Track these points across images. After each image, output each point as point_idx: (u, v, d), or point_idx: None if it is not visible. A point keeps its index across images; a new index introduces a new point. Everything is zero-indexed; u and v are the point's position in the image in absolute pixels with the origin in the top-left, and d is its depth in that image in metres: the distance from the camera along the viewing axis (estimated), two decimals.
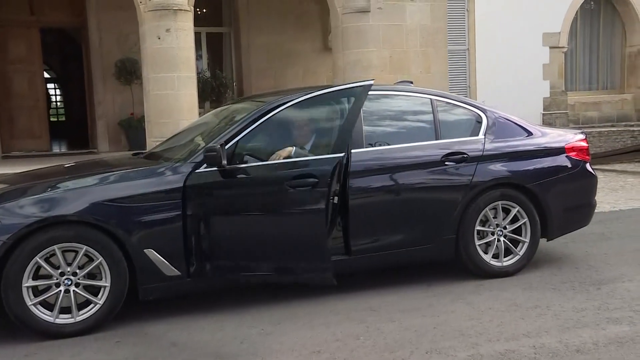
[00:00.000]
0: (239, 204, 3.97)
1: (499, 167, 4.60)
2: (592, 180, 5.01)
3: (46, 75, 20.41)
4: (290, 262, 3.96)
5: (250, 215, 3.96)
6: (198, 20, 9.37)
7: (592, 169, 5.02)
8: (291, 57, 11.90)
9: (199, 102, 8.78)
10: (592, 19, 14.62)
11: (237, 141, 4.03)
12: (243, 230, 3.94)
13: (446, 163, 4.48)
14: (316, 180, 3.90)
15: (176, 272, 3.85)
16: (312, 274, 3.97)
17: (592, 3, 14.43)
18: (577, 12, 13.99)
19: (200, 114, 8.24)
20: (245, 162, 4.02)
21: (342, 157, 4.00)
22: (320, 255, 3.93)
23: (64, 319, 3.69)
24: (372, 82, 4.23)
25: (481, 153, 4.57)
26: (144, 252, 3.78)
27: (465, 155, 4.52)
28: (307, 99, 4.27)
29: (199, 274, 3.91)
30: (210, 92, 11.37)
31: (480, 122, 4.74)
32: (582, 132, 5.16)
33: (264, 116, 4.15)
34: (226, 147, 3.94)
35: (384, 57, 9.00)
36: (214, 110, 5.37)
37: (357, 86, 4.28)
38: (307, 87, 4.46)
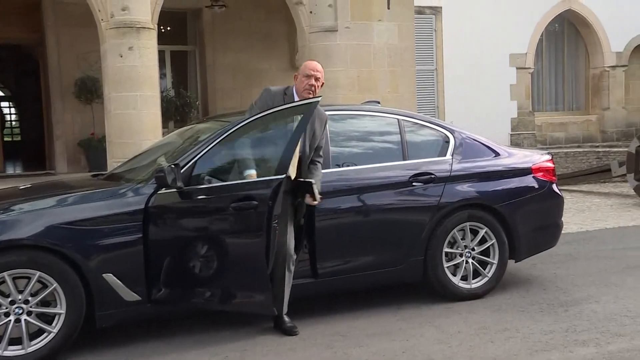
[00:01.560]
0: (194, 226, 3.93)
1: (466, 188, 4.66)
2: (558, 200, 5.11)
3: (0, 93, 20.07)
4: (231, 288, 3.87)
5: (201, 239, 3.91)
6: (162, 38, 9.33)
7: (559, 189, 5.12)
8: (257, 77, 11.92)
9: (163, 122, 8.69)
10: (557, 41, 15.05)
11: (196, 161, 3.98)
12: (194, 254, 3.89)
13: (414, 184, 4.52)
14: (256, 202, 3.82)
15: (136, 297, 3.78)
16: (251, 301, 3.88)
17: (556, 25, 14.86)
18: (542, 33, 14.40)
19: (163, 134, 8.16)
20: (208, 183, 3.98)
21: (283, 178, 3.85)
22: (259, 282, 3.83)
23: (13, 351, 3.56)
24: (319, 98, 4.17)
25: (449, 174, 4.63)
26: (102, 277, 3.70)
27: (433, 176, 4.58)
28: (257, 119, 4.14)
29: (160, 299, 3.84)
30: (175, 111, 11.30)
31: (447, 143, 4.81)
32: (548, 153, 5.27)
33: (227, 136, 4.11)
34: (186, 167, 3.91)
35: (351, 77, 9.08)
36: (177, 130, 5.34)
37: (302, 104, 4.17)
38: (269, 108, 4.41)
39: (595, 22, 14.55)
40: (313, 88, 4.12)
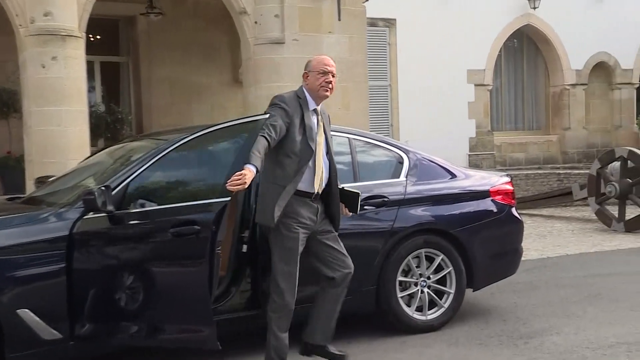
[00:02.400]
0: (125, 254, 3.85)
1: (421, 212, 4.74)
2: (518, 225, 5.24)
3: None
4: (164, 321, 3.81)
5: (134, 268, 3.84)
6: (91, 48, 9.20)
7: (518, 213, 5.26)
8: (197, 92, 11.86)
9: (92, 140, 8.53)
10: (516, 57, 15.57)
11: (129, 183, 3.94)
12: (125, 284, 3.82)
13: (365, 207, 4.54)
14: (198, 228, 3.79)
15: (57, 335, 3.67)
16: (190, 336, 3.81)
17: (515, 41, 15.38)
18: (501, 49, 14.86)
19: (92, 153, 8.02)
20: (141, 207, 3.93)
21: (228, 201, 3.85)
22: (200, 314, 3.76)
23: None
24: (267, 115, 4.24)
25: (403, 196, 4.70)
26: (16, 313, 3.57)
27: (386, 199, 4.63)
28: (201, 135, 4.23)
29: (83, 335, 3.74)
30: (105, 128, 11.12)
31: (402, 164, 4.89)
32: (507, 175, 5.42)
33: (163, 155, 4.09)
34: (118, 189, 3.86)
35: None
36: (108, 149, 5.27)
37: (250, 121, 4.19)
38: (212, 124, 4.45)
39: (555, 38, 15.12)
40: (330, 85, 4.01)
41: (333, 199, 4.02)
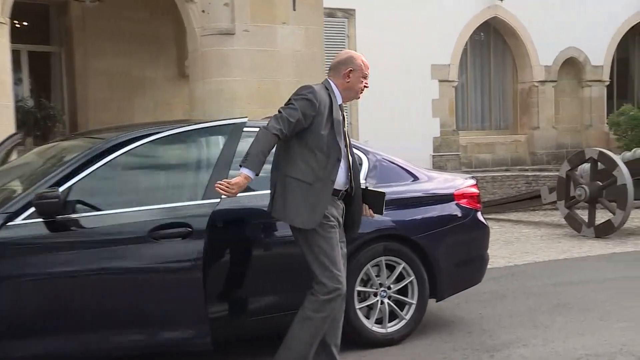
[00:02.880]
0: (74, 264, 3.82)
1: (381, 217, 4.75)
2: (484, 231, 5.32)
3: None
4: (151, 330, 3.90)
5: (91, 278, 3.84)
6: (18, 36, 9.02)
7: (484, 218, 5.35)
8: (139, 86, 11.74)
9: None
10: (482, 52, 15.84)
11: (72, 186, 3.91)
12: (65, 297, 3.80)
13: None
14: (189, 229, 3.89)
15: None
16: (185, 341, 3.93)
17: (482, 34, 15.64)
18: (467, 42, 15.10)
19: (19, 153, 7.85)
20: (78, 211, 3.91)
21: (218, 203, 4.01)
22: (197, 317, 3.91)
23: None
24: (245, 119, 4.31)
25: None
26: None
27: None
28: (164, 137, 4.27)
29: None
30: (34, 125, 10.92)
31: (361, 165, 4.88)
32: (472, 177, 5.50)
33: (103, 156, 4.07)
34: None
35: (251, 87, 9.12)
36: (37, 149, 5.20)
37: (228, 125, 4.30)
38: (158, 121, 4.44)
39: (523, 32, 15.44)
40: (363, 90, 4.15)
41: (355, 198, 4.10)
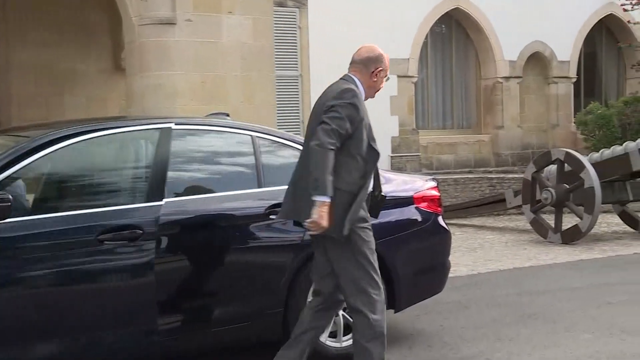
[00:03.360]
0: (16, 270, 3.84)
1: None
2: (445, 237, 5.40)
3: None
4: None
5: (37, 283, 3.89)
6: None
7: (445, 223, 5.42)
8: (71, 80, 11.54)
9: None
10: (444, 45, 16.03)
11: None
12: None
13: (271, 217, 4.57)
14: (140, 231, 4.00)
15: None
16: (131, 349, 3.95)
17: (443, 27, 15.84)
18: (427, 35, 15.26)
19: None
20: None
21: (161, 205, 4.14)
22: (146, 324, 3.99)
23: None
24: (168, 125, 4.38)
25: None
26: None
27: None
28: (98, 136, 4.32)
29: None
30: None
31: None
32: (432, 179, 5.57)
33: (28, 155, 4.03)
34: None
35: (194, 82, 9.06)
36: None
37: (154, 129, 4.41)
38: (90, 118, 4.41)
39: (487, 24, 15.68)
40: None
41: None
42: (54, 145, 4.13)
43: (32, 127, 4.89)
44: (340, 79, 4.26)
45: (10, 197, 3.76)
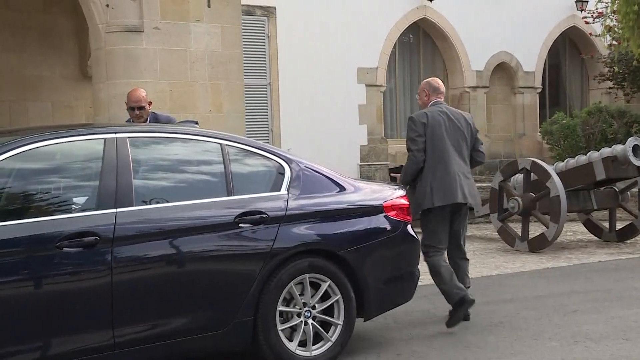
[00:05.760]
0: None
1: (305, 230, 4.81)
2: (414, 245, 5.44)
3: None
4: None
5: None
6: None
7: (415, 231, 5.45)
8: (35, 87, 11.41)
9: None
10: (411, 55, 16.17)
11: None
12: None
13: (240, 225, 4.58)
14: (97, 238, 4.04)
15: None
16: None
17: (410, 36, 15.97)
18: (395, 44, 15.38)
19: None
20: None
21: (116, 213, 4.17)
22: (104, 330, 4.03)
23: None
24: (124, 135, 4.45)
25: (284, 212, 4.76)
26: None
27: (265, 215, 4.67)
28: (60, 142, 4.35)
29: None
30: None
31: (283, 174, 4.94)
32: (401, 187, 5.61)
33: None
34: None
35: (162, 91, 9.02)
36: None
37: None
38: (55, 125, 4.38)
39: (453, 34, 15.85)
40: None
41: None
42: (12, 151, 4.13)
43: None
44: (446, 106, 6.30)
45: None
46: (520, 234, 9.83)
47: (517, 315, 6.24)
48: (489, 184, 11.00)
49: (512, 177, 10.20)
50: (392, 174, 6.18)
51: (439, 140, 5.90)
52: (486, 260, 9.16)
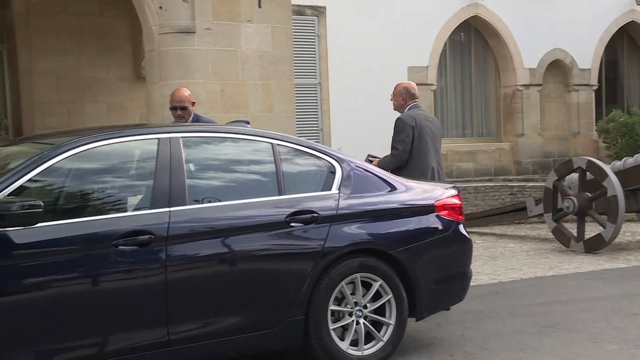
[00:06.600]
0: (27, 277, 3.89)
1: (356, 230, 4.80)
2: (466, 245, 5.38)
3: None
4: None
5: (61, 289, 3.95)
6: None
7: (467, 231, 5.40)
8: (91, 88, 11.66)
9: None
10: (463, 53, 16.00)
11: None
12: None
13: (292, 224, 4.59)
14: (151, 236, 4.12)
15: None
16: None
17: (462, 34, 15.81)
18: (446, 43, 15.25)
19: None
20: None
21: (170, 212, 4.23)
22: (159, 327, 4.10)
23: None
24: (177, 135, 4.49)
25: (335, 212, 4.75)
26: None
27: (316, 215, 4.67)
28: (115, 142, 4.43)
29: None
30: None
31: (334, 174, 4.94)
32: (453, 187, 5.55)
33: (52, 162, 4.12)
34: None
35: (213, 91, 9.11)
36: None
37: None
38: (110, 125, 4.46)
39: (506, 32, 15.63)
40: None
41: None
42: (73, 151, 4.21)
43: (54, 135, 4.94)
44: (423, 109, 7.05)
45: (41, 203, 3.83)
46: (575, 234, 9.66)
47: (574, 317, 6.13)
48: (543, 184, 10.85)
49: (567, 177, 10.03)
50: (370, 158, 6.62)
51: (423, 141, 6.71)
52: (540, 261, 9.02)
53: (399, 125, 6.80)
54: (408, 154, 6.67)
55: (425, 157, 6.73)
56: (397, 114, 7.01)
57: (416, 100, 6.98)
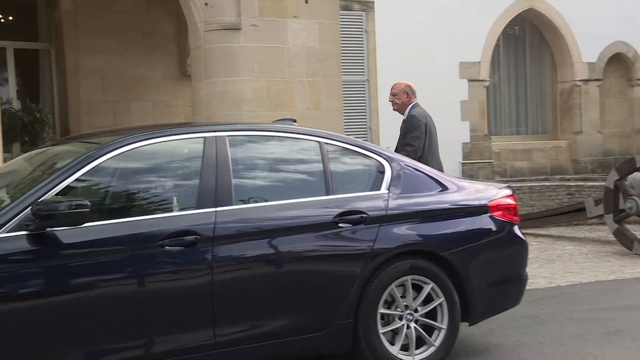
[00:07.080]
0: (75, 277, 3.96)
1: (407, 231, 4.77)
2: (522, 247, 5.31)
3: None
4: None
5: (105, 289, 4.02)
6: (3, 32, 9.13)
7: (522, 233, 5.32)
8: (137, 86, 11.83)
9: (4, 145, 8.45)
10: (517, 48, 15.80)
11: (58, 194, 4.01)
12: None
13: (340, 225, 4.58)
14: (198, 237, 4.15)
15: None
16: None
17: (516, 28, 15.62)
18: (499, 37, 15.08)
19: (5, 160, 7.93)
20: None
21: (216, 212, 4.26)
22: (205, 329, 4.14)
23: None
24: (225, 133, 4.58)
25: (384, 212, 4.73)
26: None
27: (365, 215, 4.66)
28: (161, 141, 4.47)
29: None
30: (21, 130, 11.02)
31: (383, 173, 4.93)
32: (508, 187, 5.49)
33: (99, 162, 4.19)
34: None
35: (259, 89, 9.16)
36: (26, 155, 5.28)
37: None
38: (156, 124, 4.52)
39: (563, 25, 15.39)
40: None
41: None
42: (118, 151, 4.27)
43: (101, 134, 5.02)
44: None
45: (88, 202, 3.90)
46: (639, 236, 9.47)
47: (638, 323, 6.00)
48: (602, 183, 10.66)
49: (629, 176, 9.83)
50: None
51: (432, 138, 7.19)
52: (600, 264, 8.86)
53: (413, 123, 7.12)
54: (421, 151, 7.01)
55: (435, 154, 7.18)
56: (397, 114, 7.44)
57: (416, 98, 7.34)
